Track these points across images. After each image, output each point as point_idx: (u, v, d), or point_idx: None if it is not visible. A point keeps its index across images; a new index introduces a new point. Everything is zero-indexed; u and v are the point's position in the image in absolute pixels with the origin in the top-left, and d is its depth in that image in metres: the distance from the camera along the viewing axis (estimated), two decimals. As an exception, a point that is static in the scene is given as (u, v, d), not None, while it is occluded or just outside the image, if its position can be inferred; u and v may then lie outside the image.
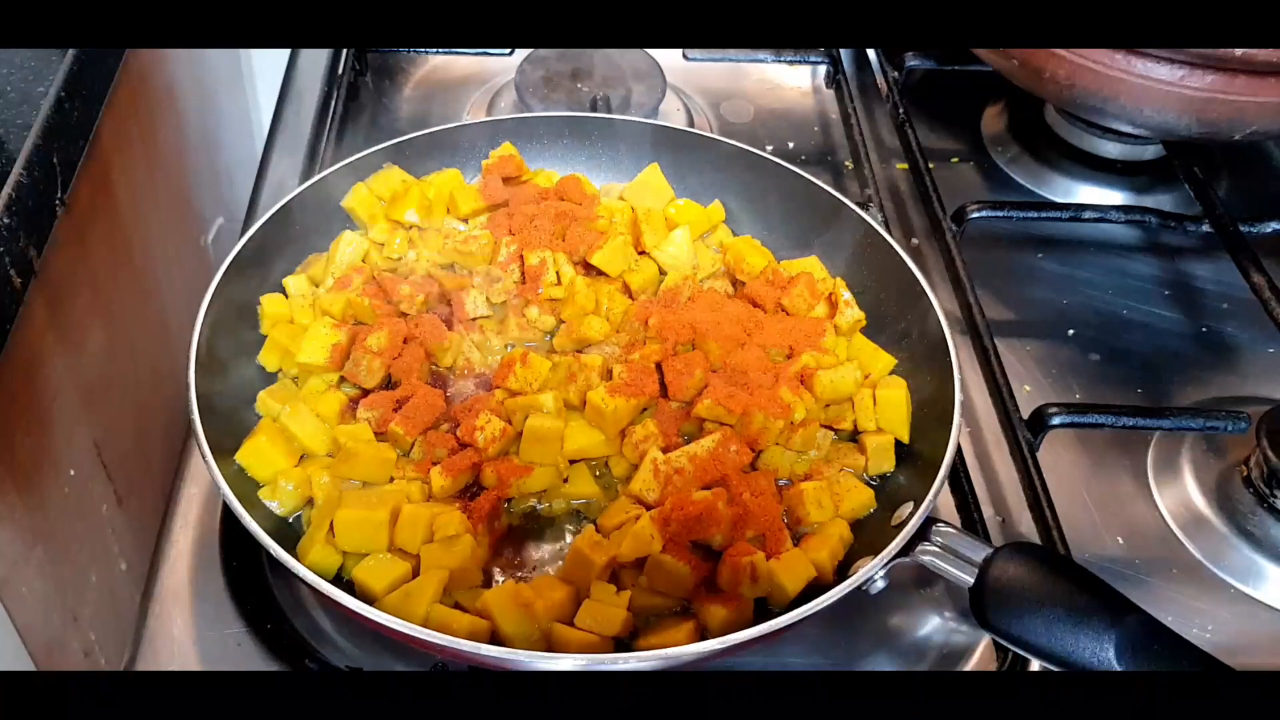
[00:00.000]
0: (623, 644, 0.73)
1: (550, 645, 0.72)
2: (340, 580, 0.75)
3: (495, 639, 0.71)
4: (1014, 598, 0.67)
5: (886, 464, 0.84)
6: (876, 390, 0.86)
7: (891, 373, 0.89)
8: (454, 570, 0.74)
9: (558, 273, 0.93)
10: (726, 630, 0.68)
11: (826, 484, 0.81)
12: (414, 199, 0.96)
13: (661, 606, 0.75)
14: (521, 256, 0.94)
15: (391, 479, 0.80)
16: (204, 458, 0.73)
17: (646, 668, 0.67)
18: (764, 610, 0.75)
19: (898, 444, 0.85)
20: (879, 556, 0.70)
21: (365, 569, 0.74)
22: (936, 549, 0.72)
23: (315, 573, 0.68)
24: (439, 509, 0.77)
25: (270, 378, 0.88)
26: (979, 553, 0.70)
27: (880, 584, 0.72)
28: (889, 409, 0.85)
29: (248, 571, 0.80)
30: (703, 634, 0.73)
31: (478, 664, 0.69)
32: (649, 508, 0.78)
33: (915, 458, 0.84)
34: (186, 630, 0.77)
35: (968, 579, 0.70)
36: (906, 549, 0.71)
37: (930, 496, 0.74)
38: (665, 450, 0.81)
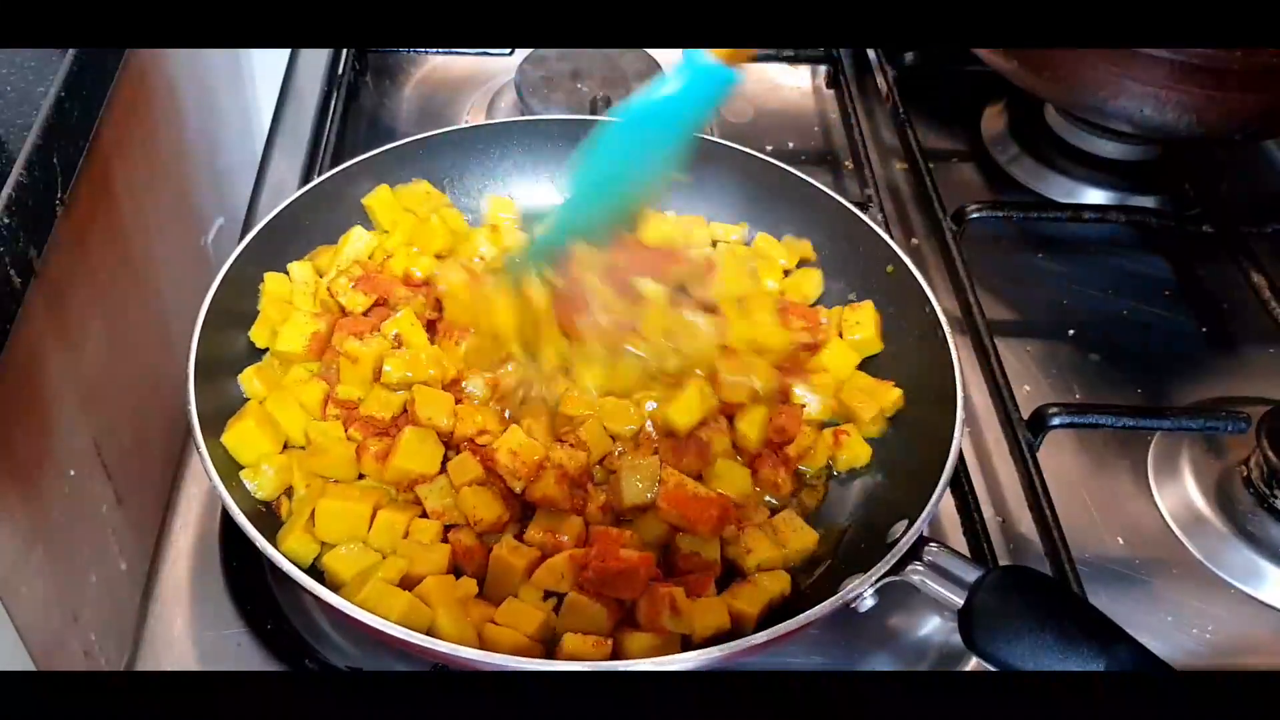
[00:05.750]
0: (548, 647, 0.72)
1: (482, 644, 0.71)
2: (317, 572, 0.75)
3: (432, 630, 0.70)
4: (1003, 622, 0.66)
5: (862, 454, 0.85)
6: (843, 314, 0.92)
7: (890, 373, 0.89)
8: (429, 571, 0.74)
9: None
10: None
11: (771, 526, 0.79)
12: (439, 238, 0.96)
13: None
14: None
15: (361, 475, 0.80)
16: (198, 450, 0.74)
17: (646, 669, 0.67)
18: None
19: (900, 440, 0.85)
20: (867, 575, 0.69)
21: (335, 557, 0.74)
22: (926, 569, 0.70)
23: (291, 560, 0.69)
24: (416, 512, 0.78)
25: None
26: (970, 574, 0.69)
27: (869, 602, 0.71)
28: (859, 330, 0.90)
29: (248, 571, 0.80)
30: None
31: (443, 661, 0.69)
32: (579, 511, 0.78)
33: (913, 467, 0.82)
34: (186, 630, 0.77)
35: (957, 601, 0.68)
36: (896, 568, 0.70)
37: (924, 515, 0.72)
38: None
